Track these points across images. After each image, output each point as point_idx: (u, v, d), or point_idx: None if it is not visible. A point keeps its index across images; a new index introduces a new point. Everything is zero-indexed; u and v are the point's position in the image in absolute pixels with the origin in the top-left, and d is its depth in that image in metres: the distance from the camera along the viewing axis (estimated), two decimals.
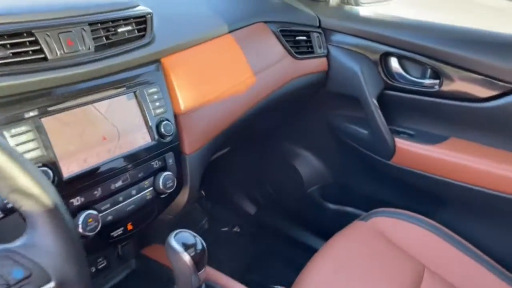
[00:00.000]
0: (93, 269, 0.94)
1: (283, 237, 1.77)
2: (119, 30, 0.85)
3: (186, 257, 0.75)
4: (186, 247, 0.76)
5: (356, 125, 1.48)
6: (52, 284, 0.47)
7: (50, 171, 0.70)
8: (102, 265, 0.96)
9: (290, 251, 1.70)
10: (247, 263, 1.70)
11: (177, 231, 0.78)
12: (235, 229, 1.91)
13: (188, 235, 0.78)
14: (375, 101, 1.37)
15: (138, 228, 0.86)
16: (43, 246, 0.46)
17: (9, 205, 0.61)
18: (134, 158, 0.84)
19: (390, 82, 1.39)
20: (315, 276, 1.09)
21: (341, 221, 1.32)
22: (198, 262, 0.77)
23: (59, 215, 0.48)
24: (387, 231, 1.26)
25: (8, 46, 0.69)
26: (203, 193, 1.93)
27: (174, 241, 0.76)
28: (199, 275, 0.77)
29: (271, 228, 1.83)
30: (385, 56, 1.38)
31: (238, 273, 1.64)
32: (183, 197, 0.98)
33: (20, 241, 0.47)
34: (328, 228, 1.59)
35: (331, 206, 1.67)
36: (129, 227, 0.84)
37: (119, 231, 0.82)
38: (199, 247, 0.77)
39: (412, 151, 1.35)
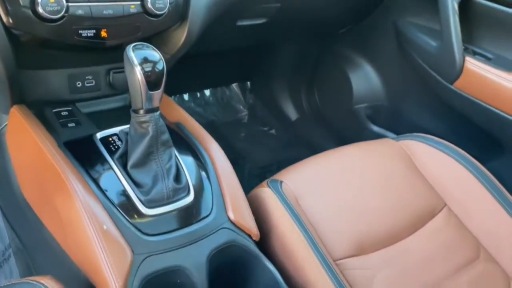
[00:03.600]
0: (79, 84, 0.90)
1: (316, 150, 1.64)
2: None
3: (138, 72, 0.66)
4: (144, 61, 0.67)
5: (428, 35, 1.24)
6: None
7: None
8: (90, 84, 0.91)
9: None
10: (269, 164, 1.62)
11: (141, 44, 0.69)
12: (271, 131, 1.82)
13: (151, 51, 0.69)
14: (455, 5, 1.11)
15: (114, 40, 0.78)
16: None
17: None
18: None
19: None
20: (301, 169, 0.96)
21: None
22: (153, 81, 0.68)
23: None
24: (416, 155, 1.07)
25: None
26: (248, 84, 1.84)
27: (131, 52, 0.68)
28: (153, 96, 0.69)
29: (307, 139, 1.70)
30: None
31: (257, 169, 1.58)
32: (181, 34, 0.88)
33: None
34: None
35: (374, 128, 1.48)
36: (103, 33, 0.76)
37: (90, 32, 0.75)
38: (159, 66, 0.68)
39: (481, 76, 1.09)
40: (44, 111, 0.84)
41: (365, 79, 1.52)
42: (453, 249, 0.92)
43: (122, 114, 0.86)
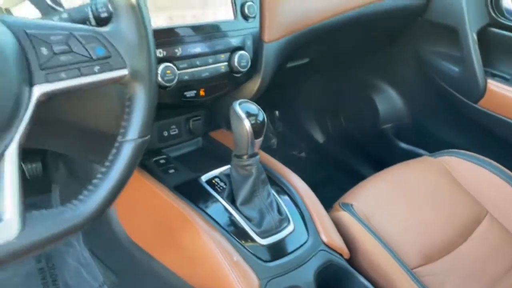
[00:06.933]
0: (165, 133, 1.02)
1: (347, 169, 1.77)
2: None
3: (247, 124, 0.79)
4: (248, 115, 0.80)
5: (449, 62, 1.39)
6: (125, 71, 0.53)
7: None
8: (174, 132, 1.04)
9: (350, 181, 1.70)
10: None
11: (243, 100, 0.82)
12: (301, 154, 1.95)
13: (252, 106, 0.82)
14: (474, 36, 1.27)
15: (209, 96, 0.91)
16: (124, 35, 0.53)
17: (103, 15, 0.66)
18: (215, 29, 0.88)
19: (497, 18, 1.27)
20: (363, 192, 1.09)
21: None
22: (257, 131, 0.81)
23: (140, 13, 0.54)
24: (455, 170, 1.20)
25: None
26: (277, 113, 1.98)
27: (238, 108, 0.80)
28: (255, 142, 0.81)
29: (337, 159, 1.83)
30: None
31: None
32: (255, 84, 1.01)
33: (106, 28, 0.53)
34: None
35: (403, 145, 1.62)
36: (201, 92, 0.90)
37: (192, 93, 0.88)
38: (260, 118, 0.81)
39: (503, 95, 1.25)
40: (145, 161, 0.96)
41: (389, 102, 1.67)
42: (501, 251, 1.05)
43: (201, 157, 1.00)
